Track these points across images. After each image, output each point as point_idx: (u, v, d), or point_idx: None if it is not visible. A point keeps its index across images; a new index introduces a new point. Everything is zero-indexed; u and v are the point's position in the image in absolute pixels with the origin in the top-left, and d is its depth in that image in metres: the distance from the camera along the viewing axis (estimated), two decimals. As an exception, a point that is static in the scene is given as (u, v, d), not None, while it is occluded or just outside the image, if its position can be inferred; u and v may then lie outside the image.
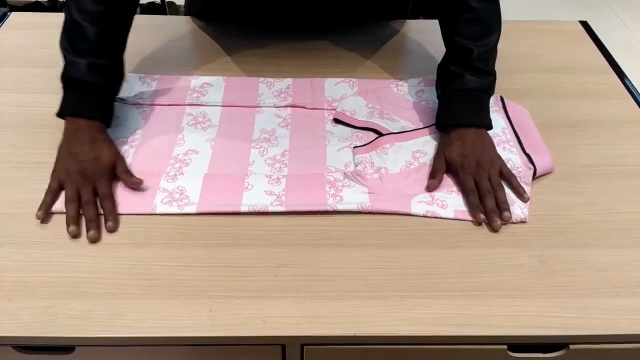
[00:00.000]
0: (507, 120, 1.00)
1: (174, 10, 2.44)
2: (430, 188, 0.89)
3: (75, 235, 0.81)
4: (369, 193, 0.87)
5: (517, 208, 0.86)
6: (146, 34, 1.22)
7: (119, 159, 0.89)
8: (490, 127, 0.94)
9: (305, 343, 0.74)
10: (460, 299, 0.76)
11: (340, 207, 0.85)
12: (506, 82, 1.09)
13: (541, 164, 0.92)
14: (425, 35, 1.24)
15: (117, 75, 0.94)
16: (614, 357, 0.77)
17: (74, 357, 0.75)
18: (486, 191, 0.87)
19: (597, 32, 1.28)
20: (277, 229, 0.84)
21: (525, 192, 0.88)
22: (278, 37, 1.20)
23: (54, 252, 0.79)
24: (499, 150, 0.93)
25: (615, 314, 0.74)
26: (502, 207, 0.86)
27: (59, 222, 0.83)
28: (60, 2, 2.43)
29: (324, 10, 1.19)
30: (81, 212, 0.84)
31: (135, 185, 0.87)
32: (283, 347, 0.75)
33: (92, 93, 0.90)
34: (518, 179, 0.89)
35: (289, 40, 1.20)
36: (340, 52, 1.18)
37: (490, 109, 0.96)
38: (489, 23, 0.96)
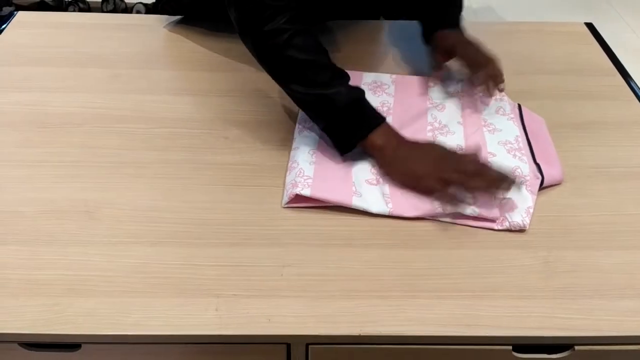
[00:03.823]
0: (522, 129, 0.99)
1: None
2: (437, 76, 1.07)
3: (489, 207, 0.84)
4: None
5: (518, 215, 0.85)
6: (151, 33, 1.22)
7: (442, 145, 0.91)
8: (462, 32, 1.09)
9: (310, 342, 0.74)
10: (466, 299, 0.76)
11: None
12: (511, 83, 1.09)
13: (550, 174, 0.91)
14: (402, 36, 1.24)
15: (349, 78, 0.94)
16: (619, 359, 0.77)
17: (80, 355, 0.75)
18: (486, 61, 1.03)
19: (602, 34, 1.28)
20: (283, 229, 0.84)
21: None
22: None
23: (60, 250, 0.80)
24: (509, 157, 0.92)
25: (620, 316, 0.74)
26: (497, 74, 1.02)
27: (65, 220, 0.84)
28: (65, 1, 2.43)
29: (321, 6, 1.19)
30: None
31: (478, 154, 0.87)
32: (288, 346, 0.75)
33: (365, 102, 0.92)
34: (524, 187, 0.88)
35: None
36: (341, 49, 1.18)
37: (507, 116, 1.01)
38: None
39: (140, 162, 0.93)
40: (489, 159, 0.91)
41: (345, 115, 0.90)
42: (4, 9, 2.33)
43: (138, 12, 2.41)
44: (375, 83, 1.09)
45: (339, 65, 0.92)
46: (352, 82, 0.93)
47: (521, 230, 0.84)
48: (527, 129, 1.00)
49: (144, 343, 0.74)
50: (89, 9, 2.47)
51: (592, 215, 0.87)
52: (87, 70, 1.12)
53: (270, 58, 0.92)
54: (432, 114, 1.01)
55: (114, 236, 0.82)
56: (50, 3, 2.46)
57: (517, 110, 1.03)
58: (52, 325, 0.71)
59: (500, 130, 0.98)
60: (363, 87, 1.03)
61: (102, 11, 2.41)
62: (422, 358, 0.77)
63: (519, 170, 0.91)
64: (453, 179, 0.84)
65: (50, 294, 0.74)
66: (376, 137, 0.89)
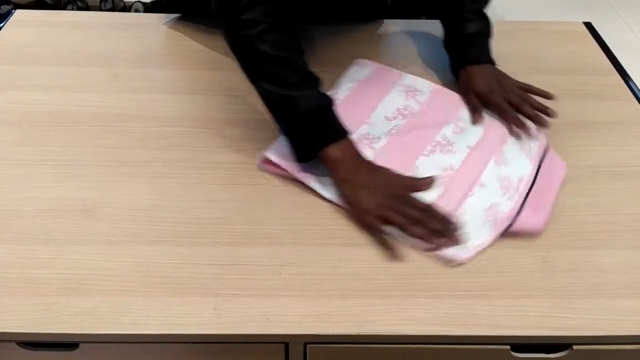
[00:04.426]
0: (534, 172, 0.91)
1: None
2: (476, 121, 0.96)
3: (436, 250, 0.80)
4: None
5: (457, 249, 0.81)
6: (150, 32, 1.22)
7: (401, 174, 0.87)
8: (495, 64, 1.05)
9: (308, 341, 0.74)
10: (464, 298, 0.76)
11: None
12: (510, 82, 1.09)
13: (526, 221, 0.84)
14: (405, 36, 1.24)
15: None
16: (617, 358, 0.77)
17: (78, 354, 0.75)
18: (520, 102, 0.97)
19: (600, 34, 1.28)
20: (281, 228, 0.84)
21: (548, 92, 1.00)
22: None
23: (59, 249, 0.80)
24: (497, 192, 0.87)
25: (618, 315, 0.74)
26: (541, 108, 0.97)
27: (63, 219, 0.83)
28: (63, 0, 2.43)
29: (316, 8, 1.18)
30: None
31: (430, 184, 0.85)
32: (286, 345, 0.75)
33: (332, 111, 0.88)
34: (493, 223, 0.84)
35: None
36: (329, 51, 1.18)
37: (527, 156, 0.93)
38: None
39: (139, 161, 0.93)
40: (475, 189, 0.87)
41: (307, 121, 0.87)
42: (2, 7, 2.33)
43: (136, 10, 2.41)
44: (410, 88, 1.04)
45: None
46: (389, 80, 0.98)
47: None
48: (540, 172, 0.92)
49: (142, 342, 0.74)
50: (87, 7, 2.46)
51: (590, 214, 0.87)
52: (85, 68, 1.12)
53: (241, 49, 0.90)
54: (444, 134, 0.95)
55: (112, 235, 0.82)
56: (49, 1, 2.45)
57: (541, 151, 0.95)
58: (50, 324, 0.71)
59: (509, 165, 0.91)
60: (397, 88, 1.04)
61: (101, 10, 2.41)
62: (420, 357, 0.77)
63: (499, 206, 0.85)
64: (394, 221, 0.81)
65: (49, 293, 0.74)
66: (334, 151, 0.85)
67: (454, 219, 0.82)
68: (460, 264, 0.80)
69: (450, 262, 0.80)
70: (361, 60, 1.12)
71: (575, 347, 0.75)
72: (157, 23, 1.26)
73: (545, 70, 1.16)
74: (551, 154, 0.95)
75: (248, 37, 0.87)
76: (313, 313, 0.74)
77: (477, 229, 0.83)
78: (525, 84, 1.02)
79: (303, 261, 0.80)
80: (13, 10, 1.27)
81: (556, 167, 0.94)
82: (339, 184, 0.86)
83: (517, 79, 1.11)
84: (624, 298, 0.76)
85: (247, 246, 0.81)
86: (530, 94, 1.00)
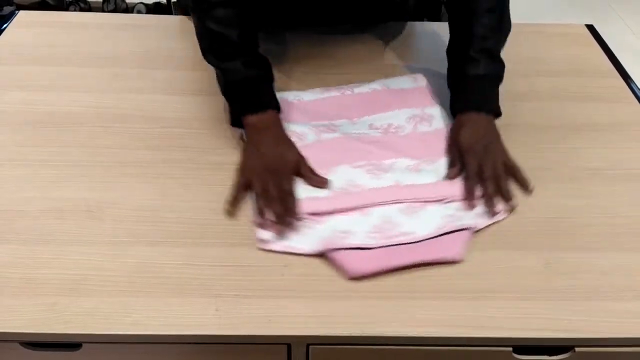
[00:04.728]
0: (424, 237, 0.82)
1: (180, 10, 2.44)
2: (451, 176, 0.89)
3: (261, 227, 0.82)
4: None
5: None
6: (152, 33, 1.22)
7: (301, 158, 0.90)
8: (500, 114, 0.96)
9: (311, 343, 0.74)
10: (466, 300, 0.76)
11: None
12: (512, 84, 1.09)
13: (434, 248, 0.80)
14: (429, 38, 1.24)
15: (268, 65, 0.97)
16: (619, 360, 0.77)
17: (80, 354, 0.75)
18: (490, 177, 0.88)
19: (602, 36, 1.28)
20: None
21: (529, 183, 0.90)
22: (280, 37, 1.21)
23: (60, 250, 0.80)
24: (367, 234, 0.82)
25: (620, 317, 0.74)
26: (506, 196, 0.87)
27: (65, 220, 0.84)
28: (66, 1, 2.43)
29: (324, 10, 1.19)
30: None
31: (322, 184, 0.88)
32: (289, 346, 0.75)
33: (257, 86, 0.95)
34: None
35: (295, 40, 1.20)
36: (339, 53, 1.18)
37: (436, 220, 0.84)
38: (502, 12, 0.98)
39: (141, 162, 0.93)
40: (353, 214, 0.84)
41: (233, 92, 0.95)
42: (4, 8, 2.33)
43: (139, 12, 2.41)
44: (427, 115, 1.01)
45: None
46: (417, 101, 0.99)
47: (518, 232, 0.84)
48: (429, 241, 0.82)
49: (144, 343, 0.74)
50: (89, 8, 2.47)
51: (592, 217, 0.87)
52: (88, 69, 1.12)
53: (195, 23, 0.97)
54: (394, 162, 0.92)
55: (114, 236, 0.82)
56: (51, 2, 2.46)
57: (463, 231, 0.83)
58: (53, 324, 0.71)
59: (412, 218, 0.84)
60: (414, 109, 1.01)
61: (103, 11, 2.41)
62: (423, 359, 0.77)
63: (349, 236, 0.82)
64: (254, 187, 0.87)
65: (51, 294, 0.74)
66: (253, 119, 0.92)
67: (299, 218, 0.83)
68: (267, 251, 0.80)
69: (260, 242, 0.81)
70: (419, 76, 1.09)
71: (577, 349, 0.75)
72: (160, 24, 1.26)
73: (548, 72, 1.16)
74: (464, 236, 0.82)
75: (200, 11, 0.95)
76: (315, 314, 0.74)
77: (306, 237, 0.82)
78: (511, 163, 0.91)
79: (305, 262, 0.80)
80: (16, 12, 1.28)
81: (448, 247, 0.81)
82: (245, 148, 0.93)
83: (519, 81, 1.12)
84: (625, 300, 0.76)
85: (249, 247, 0.81)
86: (511, 176, 0.91)
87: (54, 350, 0.75)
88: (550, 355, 0.77)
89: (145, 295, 0.75)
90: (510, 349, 0.75)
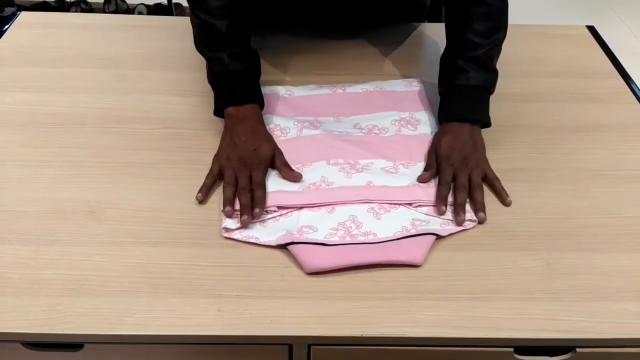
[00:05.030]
0: (385, 238, 0.82)
1: (180, 11, 2.44)
2: (422, 180, 0.89)
3: (228, 216, 0.84)
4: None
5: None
6: (153, 34, 1.22)
7: (277, 151, 0.92)
8: (489, 124, 0.95)
9: (312, 343, 0.74)
10: (467, 301, 0.76)
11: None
12: (513, 86, 1.09)
13: (396, 250, 0.80)
14: (442, 39, 1.24)
15: (255, 60, 0.99)
16: (620, 361, 0.77)
17: (82, 355, 0.75)
18: (462, 186, 0.87)
19: (603, 38, 1.28)
20: (284, 230, 0.84)
21: (508, 195, 0.88)
22: (286, 37, 1.21)
23: (63, 250, 0.80)
24: (330, 231, 0.83)
25: (621, 318, 0.75)
26: (477, 207, 0.86)
27: (67, 220, 0.84)
28: (67, 2, 2.44)
29: (337, 11, 1.19)
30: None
31: (294, 179, 0.89)
32: (290, 347, 0.75)
33: (240, 79, 0.96)
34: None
35: (299, 40, 1.20)
36: (352, 54, 1.18)
37: (400, 223, 0.85)
38: (499, 20, 0.97)
39: (143, 163, 0.93)
40: (319, 210, 0.85)
41: (216, 83, 0.97)
42: (6, 9, 2.34)
43: (140, 13, 2.41)
44: (415, 119, 1.01)
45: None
46: (410, 104, 1.00)
47: (519, 232, 0.85)
48: (391, 242, 0.82)
49: (146, 343, 0.74)
50: (91, 9, 2.47)
51: (593, 217, 0.87)
52: (89, 70, 1.12)
53: (190, 13, 0.99)
54: (371, 162, 0.92)
55: (116, 236, 0.82)
56: (52, 4, 2.46)
57: (427, 235, 0.82)
58: (55, 325, 0.71)
59: (375, 219, 0.85)
60: (402, 113, 1.01)
61: (104, 12, 2.42)
62: None
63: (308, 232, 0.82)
64: (225, 175, 0.88)
65: (53, 294, 0.75)
66: (233, 111, 0.94)
67: (265, 210, 0.85)
68: (228, 239, 0.82)
69: (225, 231, 0.82)
70: (415, 81, 1.09)
71: (578, 349, 0.75)
72: (161, 25, 1.26)
73: (549, 73, 1.16)
74: (427, 241, 0.82)
75: (193, 1, 0.97)
76: (317, 315, 0.74)
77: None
78: (491, 176, 0.90)
79: (306, 263, 0.80)
80: (18, 13, 1.28)
81: (410, 251, 0.80)
82: (223, 133, 0.94)
83: (520, 82, 1.12)
84: (626, 301, 0.76)
85: (251, 248, 0.81)
86: (489, 187, 0.90)
87: (55, 350, 0.75)
88: (551, 355, 0.77)
89: (146, 296, 0.75)
90: (512, 349, 0.75)
